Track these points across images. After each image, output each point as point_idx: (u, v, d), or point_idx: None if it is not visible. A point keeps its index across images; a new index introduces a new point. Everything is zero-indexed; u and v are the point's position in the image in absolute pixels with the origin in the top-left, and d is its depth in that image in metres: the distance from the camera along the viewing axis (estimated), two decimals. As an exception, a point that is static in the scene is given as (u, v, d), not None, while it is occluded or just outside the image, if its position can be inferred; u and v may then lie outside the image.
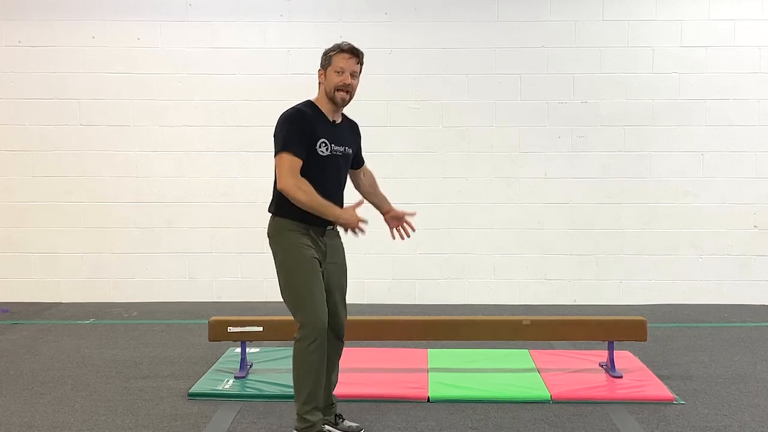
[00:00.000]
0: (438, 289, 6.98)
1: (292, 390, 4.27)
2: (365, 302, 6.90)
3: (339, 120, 3.75)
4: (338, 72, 3.64)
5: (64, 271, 7.01)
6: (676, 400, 4.20)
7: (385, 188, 7.15)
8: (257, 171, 6.94)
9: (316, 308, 3.51)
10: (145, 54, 6.91)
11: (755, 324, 6.16)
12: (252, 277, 7.00)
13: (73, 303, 6.93)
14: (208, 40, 6.91)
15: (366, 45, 6.89)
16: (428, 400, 4.21)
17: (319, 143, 3.58)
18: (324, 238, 3.68)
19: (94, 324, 6.15)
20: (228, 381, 4.45)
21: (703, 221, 6.92)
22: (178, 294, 7.01)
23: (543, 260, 6.96)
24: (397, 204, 7.02)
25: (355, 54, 3.71)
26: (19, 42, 6.90)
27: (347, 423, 3.78)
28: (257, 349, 5.05)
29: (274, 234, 3.64)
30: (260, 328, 4.57)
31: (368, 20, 6.89)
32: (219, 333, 4.58)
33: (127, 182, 6.98)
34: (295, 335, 3.57)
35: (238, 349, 4.71)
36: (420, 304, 6.90)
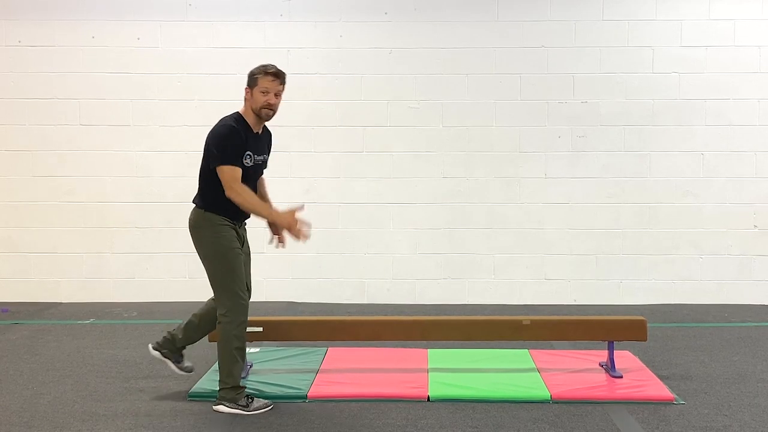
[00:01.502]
0: (438, 289, 6.98)
1: (292, 390, 4.30)
2: (365, 302, 6.90)
3: (260, 131, 4.29)
4: (263, 92, 4.14)
5: (64, 271, 7.01)
6: (676, 400, 4.20)
7: (385, 188, 7.19)
8: (257, 171, 6.94)
9: (243, 293, 4.15)
10: (145, 54, 6.91)
11: (755, 324, 6.16)
12: (252, 277, 6.97)
13: (73, 303, 6.93)
14: (208, 40, 6.91)
15: (366, 45, 6.99)
16: (428, 399, 4.22)
17: (245, 155, 4.11)
18: (240, 229, 4.30)
19: (94, 324, 6.15)
20: (228, 381, 4.45)
21: (703, 221, 6.92)
22: (178, 294, 7.01)
23: (543, 260, 6.96)
24: (398, 204, 7.06)
25: (279, 77, 4.22)
26: (19, 42, 6.90)
27: (186, 364, 4.37)
28: (257, 349, 5.05)
29: (201, 226, 4.15)
30: (260, 329, 4.57)
31: (368, 20, 6.89)
32: (219, 333, 4.58)
33: (127, 182, 6.98)
34: (222, 317, 4.11)
35: (238, 349, 4.70)
36: (420, 304, 6.90)
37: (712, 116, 6.86)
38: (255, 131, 4.22)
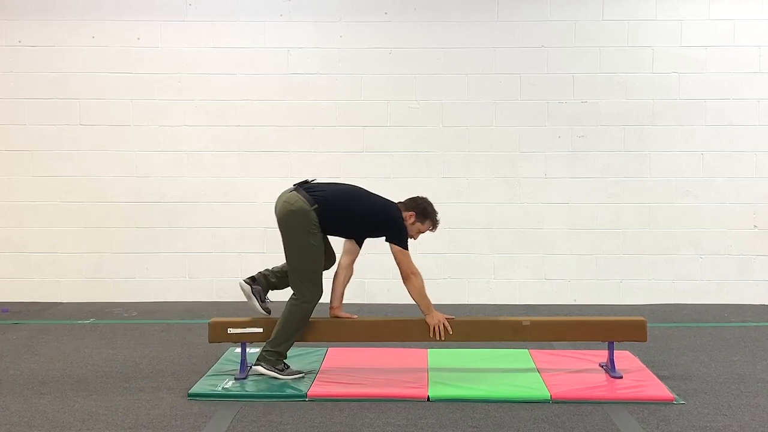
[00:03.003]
0: (438, 289, 6.96)
1: (292, 390, 4.30)
2: (365, 302, 6.90)
3: None
4: (419, 232, 4.61)
5: (64, 271, 7.01)
6: (676, 400, 4.20)
7: (385, 188, 7.17)
8: (257, 171, 6.95)
9: (321, 288, 4.54)
10: (145, 54, 6.92)
11: (755, 324, 6.16)
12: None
13: (73, 303, 6.93)
14: (208, 40, 6.91)
15: (366, 45, 6.99)
16: (428, 399, 4.22)
17: None
18: None
19: (94, 324, 6.15)
20: (228, 381, 4.46)
21: (703, 221, 6.92)
22: (178, 294, 7.01)
23: (543, 260, 6.96)
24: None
25: (434, 229, 4.70)
26: (19, 42, 6.90)
27: (267, 305, 4.61)
28: (257, 350, 5.04)
29: (302, 222, 4.38)
30: (260, 329, 4.57)
31: (368, 20, 6.90)
32: (219, 334, 4.58)
33: (127, 182, 6.99)
34: (301, 302, 4.45)
35: (238, 349, 4.70)
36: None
37: (712, 116, 6.86)
38: None
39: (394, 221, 4.48)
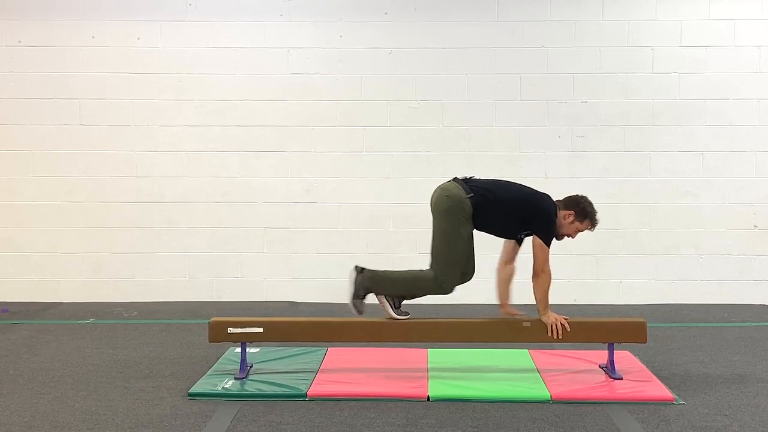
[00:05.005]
0: (438, 289, 6.97)
1: (292, 390, 4.30)
2: (365, 302, 6.88)
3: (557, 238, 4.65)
4: (577, 231, 4.59)
5: (64, 271, 7.01)
6: (676, 400, 4.20)
7: (385, 188, 7.19)
8: (257, 171, 6.95)
9: (461, 276, 4.57)
10: (145, 54, 6.92)
11: (755, 324, 6.16)
12: (252, 277, 7.00)
13: (73, 303, 6.93)
14: (208, 40, 6.91)
15: (366, 45, 6.99)
16: (428, 399, 4.22)
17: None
18: None
19: (94, 324, 6.15)
20: (228, 381, 4.45)
21: (703, 221, 6.92)
22: (178, 294, 7.01)
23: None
24: (398, 204, 7.07)
25: (593, 228, 4.64)
26: (19, 42, 6.90)
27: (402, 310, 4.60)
28: (257, 350, 5.05)
29: (460, 209, 4.42)
30: (260, 329, 4.56)
31: (368, 20, 6.90)
32: (219, 334, 4.58)
33: (127, 182, 6.98)
34: (436, 274, 4.45)
35: (238, 349, 4.70)
36: (420, 304, 6.87)
37: (712, 116, 6.86)
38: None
39: (545, 215, 4.47)
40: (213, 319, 4.66)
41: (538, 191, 4.60)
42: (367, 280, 4.52)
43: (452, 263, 4.46)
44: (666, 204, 6.91)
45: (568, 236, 4.58)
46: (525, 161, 6.90)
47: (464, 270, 4.57)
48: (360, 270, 4.57)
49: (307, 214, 6.99)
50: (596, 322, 4.74)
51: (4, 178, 6.99)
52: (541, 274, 4.48)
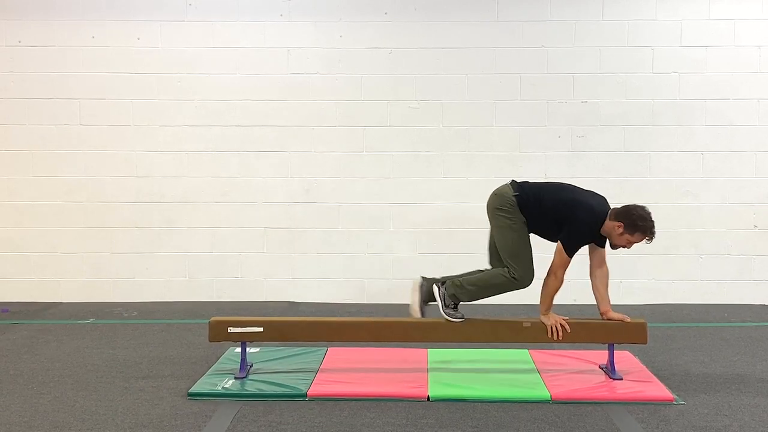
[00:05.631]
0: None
1: (292, 390, 4.30)
2: (365, 302, 6.90)
3: (611, 248, 4.54)
4: (629, 243, 4.40)
5: (64, 271, 7.01)
6: (676, 400, 4.20)
7: (385, 188, 7.19)
8: (257, 171, 6.95)
9: (532, 268, 4.54)
10: (145, 54, 6.91)
11: (755, 324, 6.16)
12: (252, 277, 7.00)
13: (73, 303, 6.93)
14: (208, 40, 6.90)
15: (366, 45, 6.99)
16: (428, 399, 4.22)
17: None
18: None
19: (94, 324, 6.15)
20: (228, 381, 4.45)
21: (703, 221, 6.92)
22: (178, 294, 7.01)
23: (543, 260, 6.93)
24: (398, 204, 7.06)
25: (650, 240, 4.42)
26: (19, 42, 6.90)
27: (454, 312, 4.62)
28: (257, 349, 5.05)
29: (511, 210, 4.50)
30: (260, 329, 4.56)
31: (368, 20, 6.90)
32: (219, 333, 4.58)
33: (127, 182, 6.98)
34: (510, 277, 4.49)
35: (238, 349, 4.70)
36: (420, 304, 6.88)
37: (712, 116, 6.86)
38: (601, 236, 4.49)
39: (576, 224, 4.37)
40: (213, 318, 4.67)
41: (584, 198, 4.47)
42: (450, 288, 4.59)
43: (520, 256, 4.47)
44: (666, 204, 6.90)
45: (622, 246, 4.45)
46: (525, 161, 6.90)
47: (532, 260, 4.55)
48: (431, 280, 4.67)
49: (307, 214, 6.99)
50: (596, 322, 4.73)
51: (4, 178, 6.99)
52: (552, 276, 4.45)
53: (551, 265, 4.47)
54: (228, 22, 6.90)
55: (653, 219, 4.37)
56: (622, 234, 4.35)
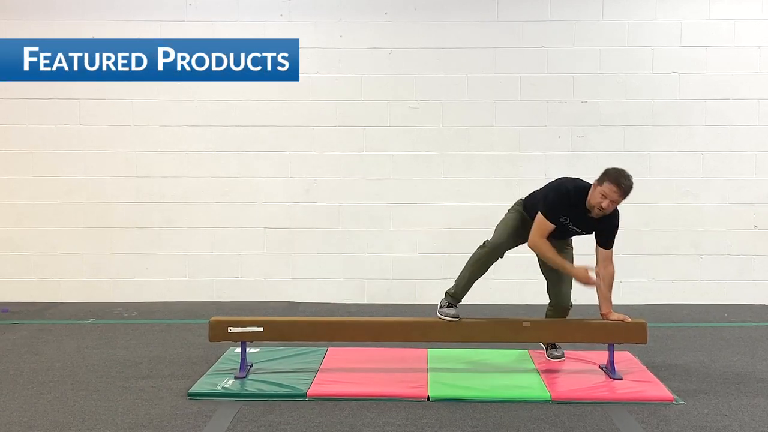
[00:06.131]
0: (438, 289, 6.92)
1: (292, 390, 4.30)
2: (365, 302, 6.91)
3: (595, 215, 4.51)
4: (602, 195, 4.40)
5: (64, 271, 7.01)
6: (676, 400, 4.20)
7: (384, 188, 7.19)
8: (257, 171, 6.95)
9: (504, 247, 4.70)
10: (145, 54, 6.92)
11: (755, 324, 6.16)
12: (252, 277, 7.00)
13: (73, 303, 6.93)
14: (208, 40, 6.91)
15: (366, 45, 6.99)
16: (428, 399, 4.22)
17: (562, 219, 4.52)
18: None
19: (94, 324, 6.15)
20: (228, 381, 4.46)
21: (703, 221, 6.92)
22: (178, 294, 7.01)
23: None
24: (398, 204, 7.06)
25: (624, 194, 4.47)
26: (19, 42, 6.90)
27: (554, 352, 4.87)
28: (257, 349, 5.05)
29: (517, 207, 4.81)
30: (260, 329, 4.57)
31: (368, 20, 6.90)
32: (219, 333, 4.58)
33: (127, 182, 6.99)
34: (482, 247, 4.71)
35: (238, 349, 4.70)
36: (420, 304, 6.89)
37: (712, 116, 6.86)
38: (587, 212, 4.51)
39: (547, 188, 4.61)
40: (213, 318, 4.67)
41: (566, 180, 4.69)
42: (449, 297, 4.74)
43: (498, 228, 4.73)
44: (666, 204, 6.91)
45: (598, 208, 4.41)
46: (525, 161, 6.90)
47: (510, 238, 4.69)
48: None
49: (307, 214, 6.99)
50: (596, 322, 4.74)
51: (4, 178, 6.99)
52: (532, 245, 4.57)
53: (530, 235, 4.56)
54: (228, 22, 6.90)
55: (628, 174, 4.47)
56: (594, 189, 4.46)
